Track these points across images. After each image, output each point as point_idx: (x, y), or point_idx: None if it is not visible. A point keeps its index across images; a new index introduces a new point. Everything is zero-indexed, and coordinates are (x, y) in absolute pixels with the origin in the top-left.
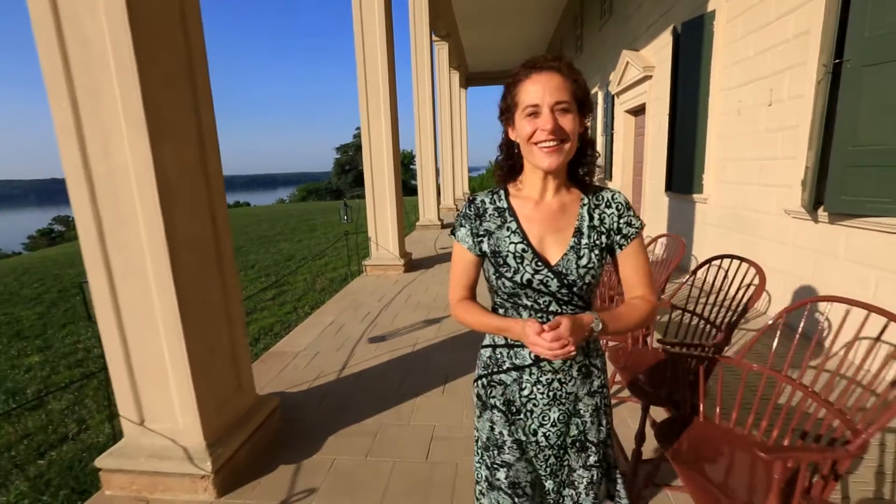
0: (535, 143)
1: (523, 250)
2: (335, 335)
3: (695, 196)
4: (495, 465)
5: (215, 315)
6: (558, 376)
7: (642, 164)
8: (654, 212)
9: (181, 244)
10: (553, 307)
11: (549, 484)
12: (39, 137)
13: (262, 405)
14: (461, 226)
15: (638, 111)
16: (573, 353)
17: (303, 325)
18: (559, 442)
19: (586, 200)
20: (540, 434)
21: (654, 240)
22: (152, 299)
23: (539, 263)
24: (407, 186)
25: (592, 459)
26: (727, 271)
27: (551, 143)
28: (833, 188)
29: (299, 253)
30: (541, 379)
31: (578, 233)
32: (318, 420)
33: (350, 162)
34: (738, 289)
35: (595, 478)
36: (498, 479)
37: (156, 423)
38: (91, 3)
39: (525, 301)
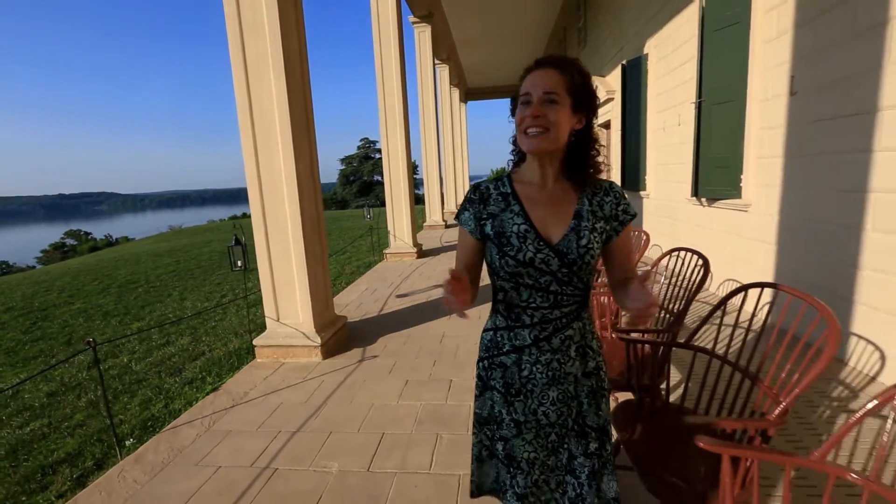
0: (524, 129)
1: (526, 230)
2: (371, 294)
3: (641, 192)
4: (494, 438)
5: (318, 261)
6: (557, 356)
7: (610, 167)
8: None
9: (305, 219)
10: (553, 286)
11: (551, 461)
12: (44, 154)
13: (339, 318)
14: (465, 209)
15: (606, 125)
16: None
17: (345, 290)
18: (560, 421)
19: (586, 190)
20: (540, 413)
21: None
22: (290, 250)
23: (541, 243)
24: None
25: (593, 447)
26: (681, 262)
27: (535, 129)
28: (701, 182)
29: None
30: (540, 359)
31: (578, 216)
32: (371, 331)
33: (355, 173)
34: (688, 278)
35: (596, 467)
36: (496, 450)
37: (287, 319)
38: (269, 93)
39: (527, 280)
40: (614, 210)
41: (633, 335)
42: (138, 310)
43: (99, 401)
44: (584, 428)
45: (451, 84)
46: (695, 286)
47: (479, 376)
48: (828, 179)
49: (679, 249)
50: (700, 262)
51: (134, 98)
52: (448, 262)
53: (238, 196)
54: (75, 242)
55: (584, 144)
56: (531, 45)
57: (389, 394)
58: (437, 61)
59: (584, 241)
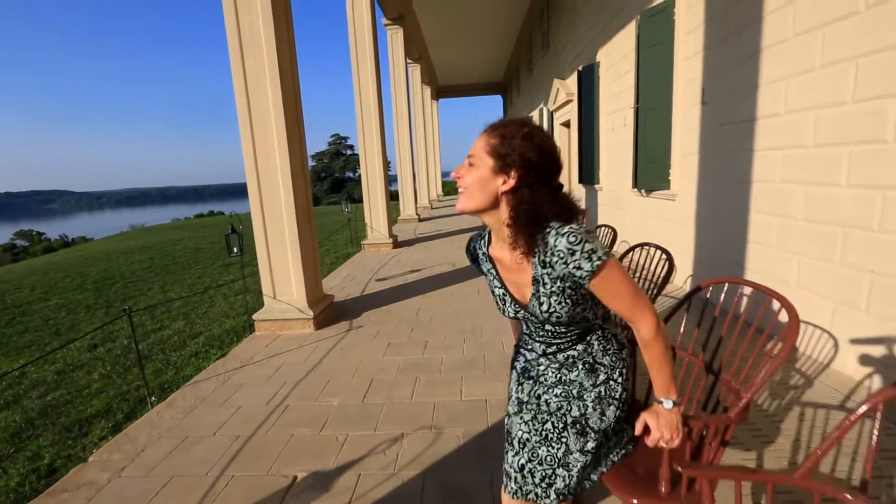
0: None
1: (503, 294)
2: (353, 279)
3: (595, 185)
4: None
5: (309, 245)
6: (563, 368)
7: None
8: (582, 201)
9: (298, 208)
10: (548, 327)
11: (542, 451)
12: None
13: (327, 296)
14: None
15: (566, 125)
16: (681, 437)
17: (328, 277)
18: (559, 413)
19: (537, 252)
20: (542, 399)
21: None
22: (285, 235)
23: (517, 305)
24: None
25: (590, 446)
26: (644, 256)
27: (459, 190)
28: (640, 176)
29: None
30: (550, 366)
31: (536, 282)
32: (355, 308)
33: (326, 169)
34: (653, 271)
35: (588, 463)
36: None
37: (283, 296)
38: (265, 95)
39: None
40: (564, 270)
41: None
42: (121, 302)
43: (112, 373)
44: (585, 428)
45: (422, 82)
46: (660, 280)
47: (512, 358)
48: (729, 172)
49: (645, 245)
50: (664, 257)
51: (87, 89)
52: (422, 251)
53: (202, 194)
54: (27, 243)
55: (517, 204)
56: (499, 46)
57: (375, 352)
58: (408, 60)
59: (545, 307)
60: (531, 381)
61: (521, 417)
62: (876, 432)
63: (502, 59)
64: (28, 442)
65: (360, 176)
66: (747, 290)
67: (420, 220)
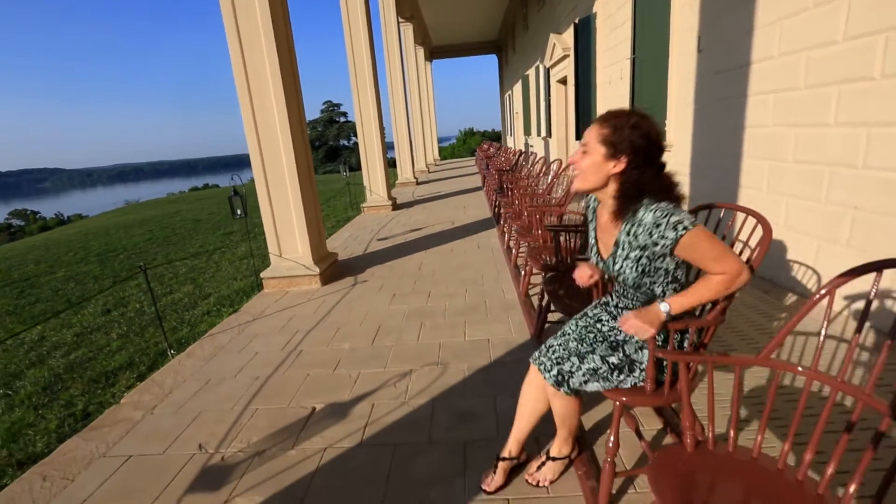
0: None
1: (594, 244)
2: (355, 239)
3: None
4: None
5: (311, 202)
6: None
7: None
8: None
9: (299, 168)
10: (618, 286)
11: (572, 345)
12: None
13: (331, 254)
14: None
15: (564, 81)
16: (651, 333)
17: (330, 238)
18: (607, 331)
19: (628, 221)
20: (602, 321)
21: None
22: (288, 193)
23: (599, 257)
24: None
25: (612, 360)
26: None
27: (574, 173)
28: None
29: None
30: (614, 312)
31: (617, 245)
32: (359, 265)
33: (319, 138)
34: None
35: (600, 370)
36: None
37: (288, 254)
38: (262, 58)
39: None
40: (647, 241)
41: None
42: (127, 272)
43: (129, 333)
44: (619, 347)
45: (415, 42)
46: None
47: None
48: (723, 120)
49: None
50: None
51: (76, 64)
52: (421, 212)
53: (195, 167)
54: (22, 223)
55: (623, 183)
56: (494, 1)
57: (381, 303)
58: (400, 20)
59: (617, 266)
60: (601, 309)
61: (577, 321)
62: (826, 319)
63: (497, 17)
64: (60, 393)
65: (355, 143)
66: (739, 218)
67: (418, 182)
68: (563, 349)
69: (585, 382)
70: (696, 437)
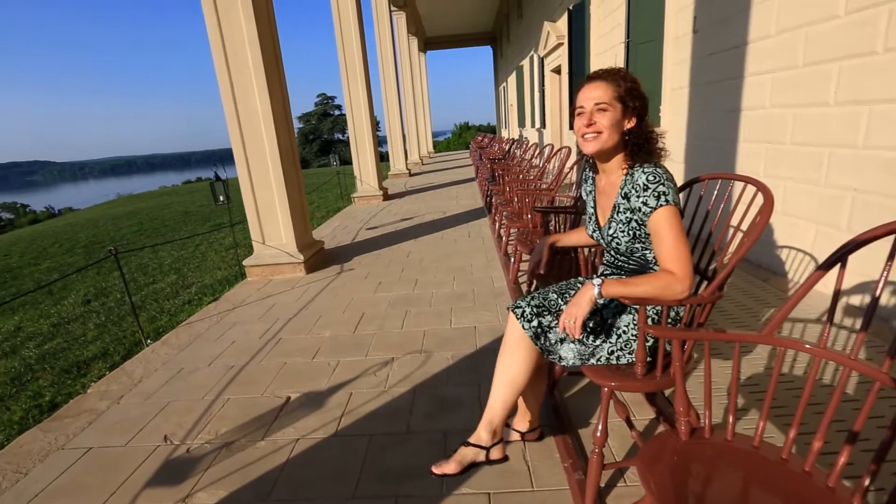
0: (582, 136)
1: (592, 213)
2: (344, 229)
3: None
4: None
5: (295, 188)
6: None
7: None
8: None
9: (282, 150)
10: (607, 258)
11: (552, 296)
12: None
13: (317, 242)
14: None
15: (558, 70)
16: (583, 312)
17: (319, 227)
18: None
19: (625, 184)
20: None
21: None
22: (270, 178)
23: (596, 225)
24: None
25: (589, 324)
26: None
27: (589, 135)
28: None
29: None
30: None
31: (614, 208)
32: (346, 254)
33: (314, 131)
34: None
35: (583, 338)
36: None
37: (272, 241)
38: (241, 35)
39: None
40: (636, 203)
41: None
42: (113, 263)
43: (107, 322)
44: (597, 309)
45: (408, 32)
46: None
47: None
48: (718, 103)
49: None
50: None
51: (68, 56)
52: (413, 202)
53: (189, 161)
54: (12, 216)
55: (638, 136)
56: None
57: (366, 290)
58: (393, 8)
59: (611, 231)
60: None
61: (560, 285)
62: (838, 287)
63: (491, 7)
64: (29, 384)
65: (349, 136)
66: (737, 187)
67: (410, 174)
68: (543, 298)
69: (561, 341)
70: (690, 425)
